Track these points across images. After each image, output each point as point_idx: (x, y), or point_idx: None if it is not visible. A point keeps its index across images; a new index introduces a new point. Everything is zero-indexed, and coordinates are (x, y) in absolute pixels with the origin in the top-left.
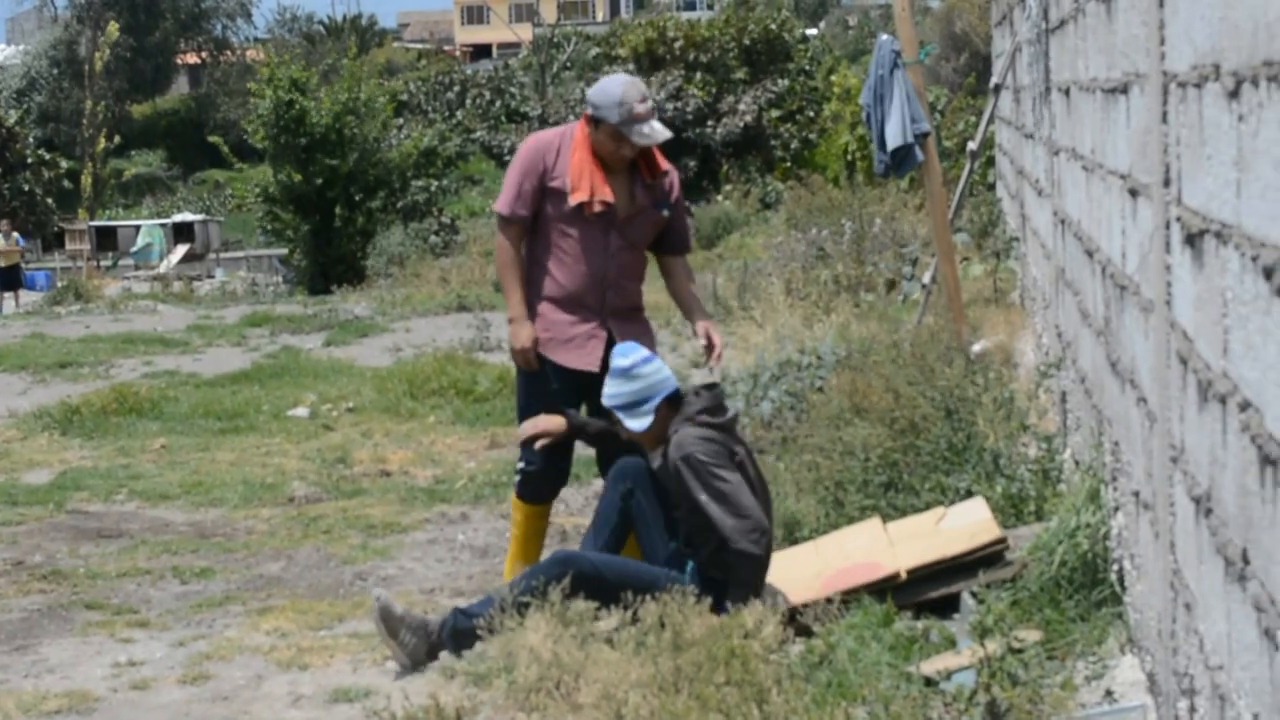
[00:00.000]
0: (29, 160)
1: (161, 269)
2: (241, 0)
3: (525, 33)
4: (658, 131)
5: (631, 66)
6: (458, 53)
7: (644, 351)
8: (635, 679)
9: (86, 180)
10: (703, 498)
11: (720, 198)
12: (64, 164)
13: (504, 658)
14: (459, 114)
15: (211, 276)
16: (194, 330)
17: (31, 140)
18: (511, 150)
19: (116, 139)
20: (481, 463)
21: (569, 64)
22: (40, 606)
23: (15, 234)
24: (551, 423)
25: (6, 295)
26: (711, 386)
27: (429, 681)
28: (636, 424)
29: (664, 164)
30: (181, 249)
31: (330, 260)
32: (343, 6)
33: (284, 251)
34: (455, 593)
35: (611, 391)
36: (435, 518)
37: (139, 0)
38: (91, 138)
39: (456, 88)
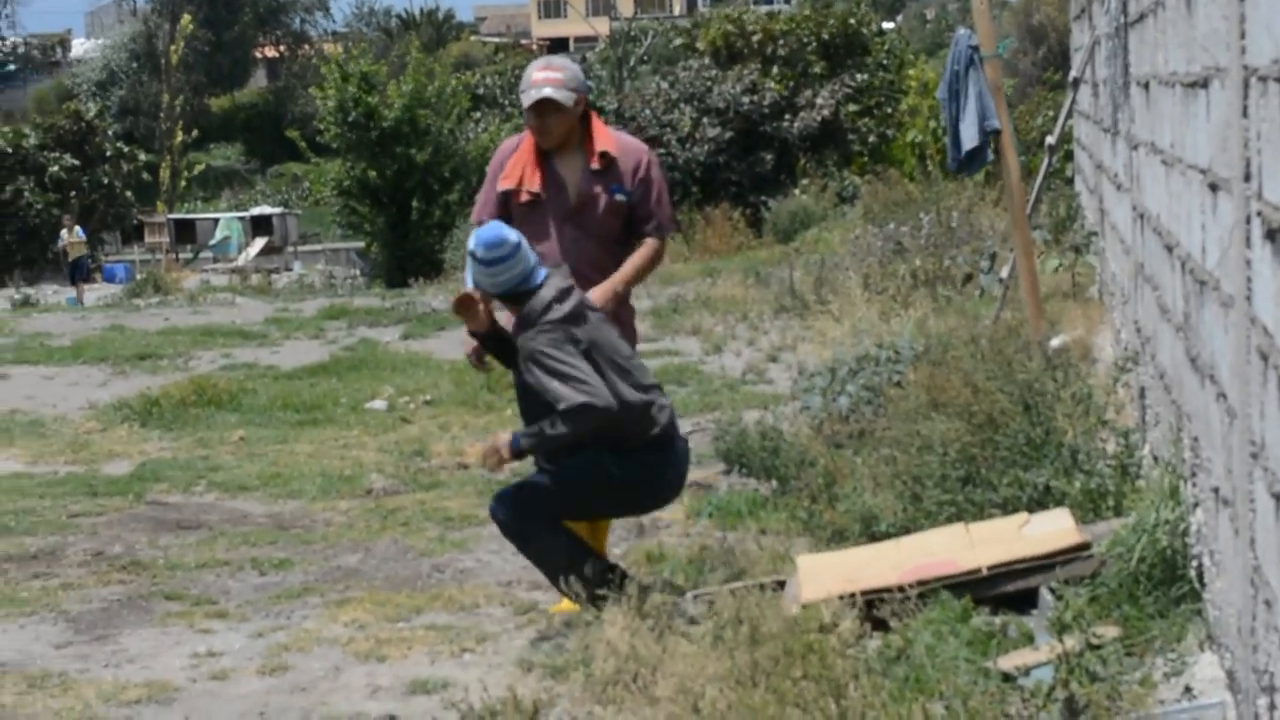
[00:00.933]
0: (108, 153)
1: (240, 262)
2: None
3: (602, 26)
4: (537, 87)
5: (709, 60)
6: (534, 46)
7: (509, 241)
8: (712, 673)
9: (165, 173)
10: (547, 382)
11: (797, 192)
12: (143, 157)
13: (581, 651)
14: None
15: (289, 269)
16: (272, 323)
17: (111, 133)
18: None
19: (195, 132)
20: None
21: (645, 58)
22: (120, 597)
23: (78, 228)
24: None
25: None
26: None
27: (506, 674)
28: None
29: (606, 144)
30: (259, 242)
31: (407, 253)
32: (420, 0)
33: (361, 245)
34: (532, 585)
35: (478, 279)
36: None
37: None
38: (170, 131)
39: None
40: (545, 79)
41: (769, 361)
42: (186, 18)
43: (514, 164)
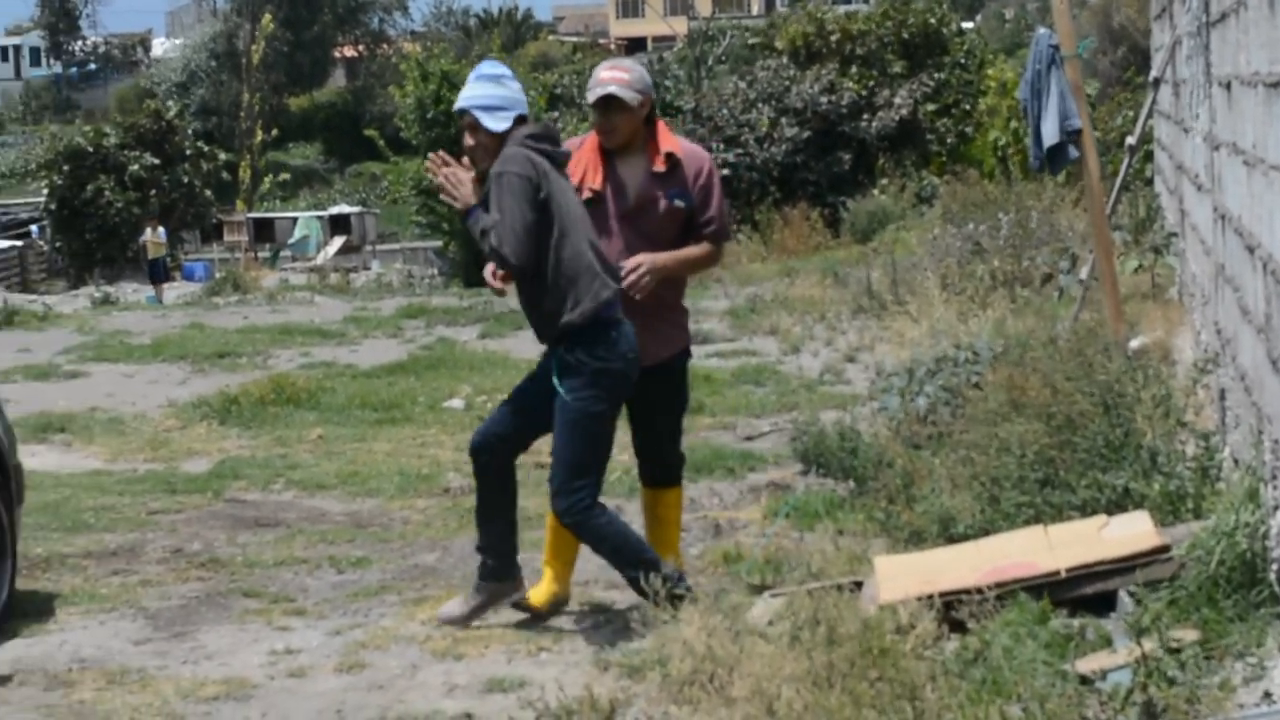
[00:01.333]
0: (188, 152)
1: (318, 261)
2: None
3: (680, 26)
4: (603, 85)
5: (786, 60)
6: (612, 46)
7: (508, 70)
8: (788, 673)
9: (244, 172)
10: (495, 206)
11: (876, 192)
12: (222, 156)
13: (658, 650)
14: None
15: (367, 268)
16: (350, 321)
17: (191, 133)
18: None
19: (274, 131)
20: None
21: (723, 57)
22: (199, 594)
23: (161, 228)
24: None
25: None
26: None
27: (583, 673)
28: (495, 124)
29: (671, 146)
30: (338, 241)
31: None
32: (499, 0)
33: (439, 244)
34: (609, 585)
35: (478, 93)
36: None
37: None
38: (249, 130)
39: None
40: (611, 78)
41: (846, 362)
42: (267, 17)
43: (576, 161)
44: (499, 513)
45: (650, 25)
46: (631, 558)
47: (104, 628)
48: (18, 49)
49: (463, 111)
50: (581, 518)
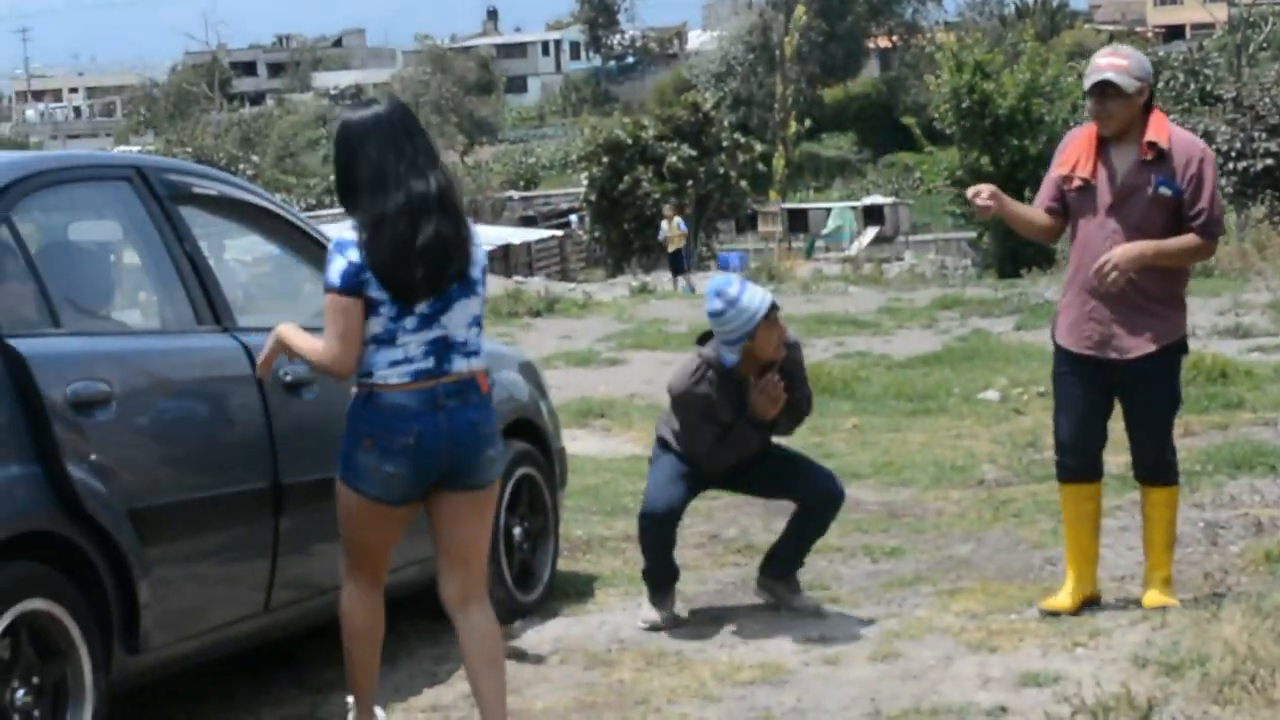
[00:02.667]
0: (724, 144)
1: (851, 251)
2: None
3: (1220, 12)
4: (1100, 71)
5: None
6: (1149, 34)
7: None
8: None
9: (778, 163)
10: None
11: None
12: (758, 147)
13: (1197, 649)
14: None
15: (900, 259)
16: (884, 312)
17: (726, 124)
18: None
19: (808, 122)
20: (1207, 445)
21: (1264, 44)
22: (734, 580)
23: (678, 219)
24: None
25: (678, 278)
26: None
27: (1119, 669)
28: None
29: (1159, 135)
30: (871, 231)
31: (1020, 243)
32: None
33: (973, 235)
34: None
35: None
36: (1126, 504)
37: None
38: (783, 121)
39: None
40: (1108, 64)
41: None
42: (800, 9)
43: (1072, 150)
44: None
45: (1189, 11)
46: None
47: (642, 610)
48: (558, 44)
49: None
50: None
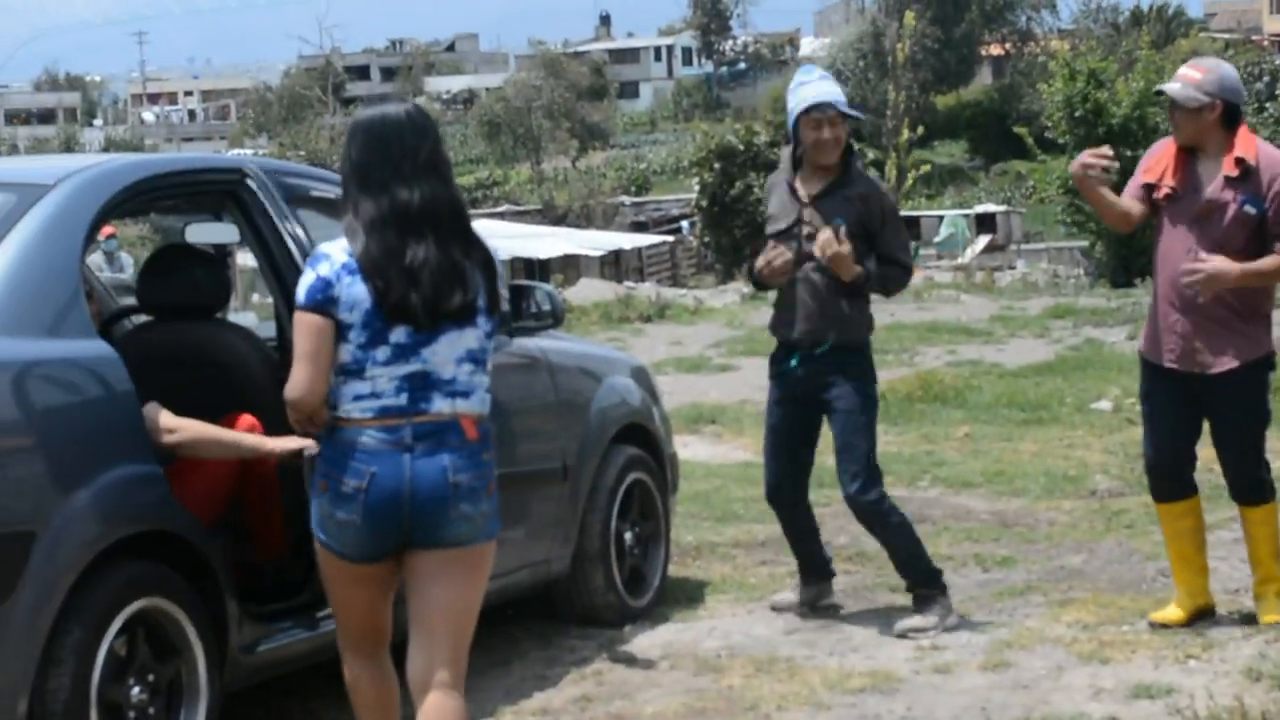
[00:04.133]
0: None
1: (964, 259)
2: None
3: None
4: (1171, 83)
5: None
6: (1265, 43)
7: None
8: None
9: (891, 170)
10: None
11: None
12: (870, 154)
13: None
14: (1269, 107)
15: (1013, 268)
16: (996, 320)
17: None
18: None
19: (920, 129)
20: None
21: None
22: (844, 587)
23: None
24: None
25: None
26: None
27: (1233, 682)
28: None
29: (1245, 152)
30: (983, 239)
31: (1133, 252)
32: None
33: (1085, 243)
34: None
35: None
36: (1238, 516)
37: None
38: (895, 128)
39: (1265, 78)
40: (1179, 75)
41: None
42: (910, 15)
43: (1160, 158)
44: None
45: None
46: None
47: (752, 616)
48: (670, 49)
49: (826, 105)
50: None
